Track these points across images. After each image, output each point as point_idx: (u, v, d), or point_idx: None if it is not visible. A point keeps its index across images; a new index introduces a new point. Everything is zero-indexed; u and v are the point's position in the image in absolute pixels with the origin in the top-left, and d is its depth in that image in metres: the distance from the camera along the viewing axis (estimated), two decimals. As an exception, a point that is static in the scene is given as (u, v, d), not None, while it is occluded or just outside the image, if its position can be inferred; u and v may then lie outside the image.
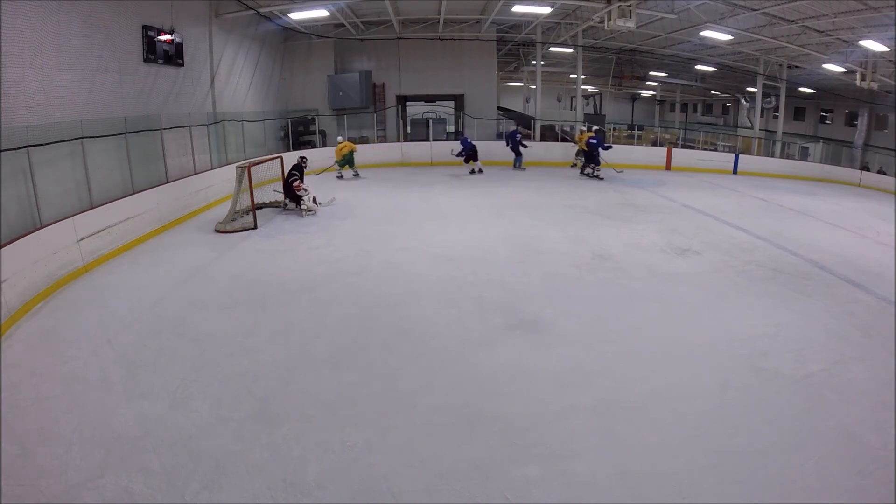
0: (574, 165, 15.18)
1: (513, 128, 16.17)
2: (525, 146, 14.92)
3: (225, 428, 3.37)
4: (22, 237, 5.43)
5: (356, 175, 13.22)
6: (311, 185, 9.95)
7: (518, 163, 14.86)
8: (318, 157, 14.13)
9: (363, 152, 15.35)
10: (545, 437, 3.30)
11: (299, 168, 9.57)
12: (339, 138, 13.63)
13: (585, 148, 13.83)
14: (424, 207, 9.93)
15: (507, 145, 14.89)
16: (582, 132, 14.98)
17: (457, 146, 14.24)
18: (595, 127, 16.00)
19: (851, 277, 6.46)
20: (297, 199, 9.29)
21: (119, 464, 3.02)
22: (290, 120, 14.73)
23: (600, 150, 13.25)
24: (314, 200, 9.57)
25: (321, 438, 3.27)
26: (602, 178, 13.31)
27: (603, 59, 21.88)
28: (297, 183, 9.23)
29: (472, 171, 13.89)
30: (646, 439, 3.29)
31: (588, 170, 13.71)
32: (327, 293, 5.68)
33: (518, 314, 5.13)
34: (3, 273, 4.85)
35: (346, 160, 13.11)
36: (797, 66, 18.00)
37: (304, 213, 9.22)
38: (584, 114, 20.55)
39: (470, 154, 13.87)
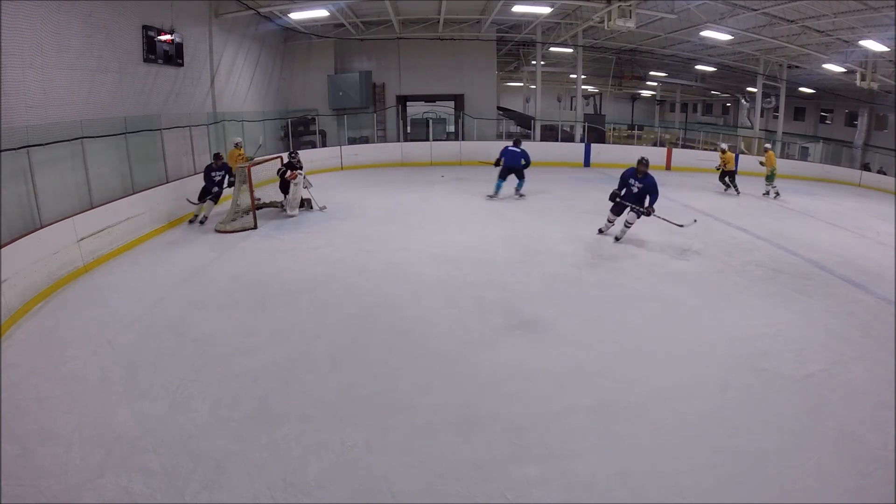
0: (773, 193, 12.12)
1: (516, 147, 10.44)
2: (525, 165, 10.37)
3: (225, 428, 3.37)
4: (22, 237, 5.43)
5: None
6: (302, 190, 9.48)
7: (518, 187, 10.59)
8: (319, 157, 14.14)
9: (363, 152, 15.42)
10: (545, 437, 3.30)
11: (291, 166, 9.45)
12: (238, 139, 10.51)
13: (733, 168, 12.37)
14: (424, 207, 9.93)
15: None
16: (725, 151, 12.45)
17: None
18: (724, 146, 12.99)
19: (851, 277, 6.46)
20: (288, 190, 9.13)
21: (119, 464, 3.02)
22: (290, 120, 14.74)
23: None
24: (310, 204, 9.53)
25: (321, 438, 3.27)
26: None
27: (603, 59, 21.89)
28: (290, 173, 9.13)
29: (196, 220, 8.69)
30: (646, 439, 3.29)
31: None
32: (327, 293, 5.68)
33: (518, 314, 5.13)
34: (3, 273, 4.85)
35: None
36: (797, 66, 18.01)
37: (288, 209, 9.05)
38: (585, 114, 20.54)
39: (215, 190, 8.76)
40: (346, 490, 2.86)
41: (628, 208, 7.55)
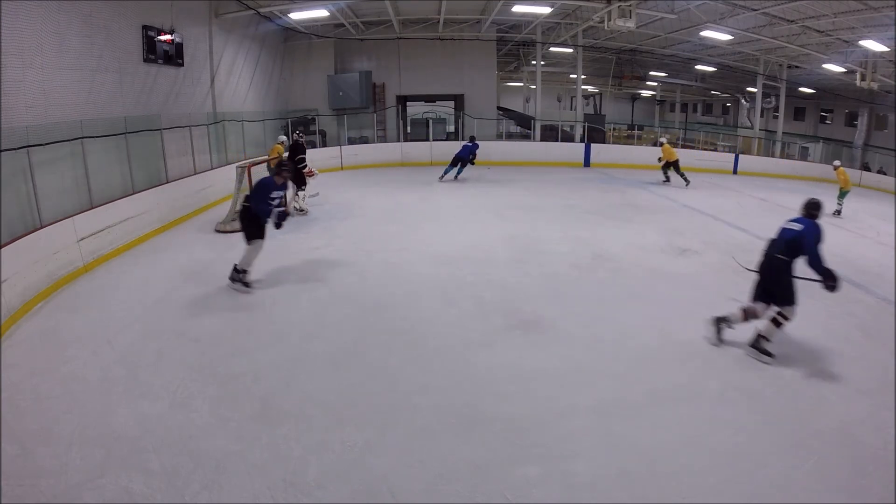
0: (837, 209, 10.98)
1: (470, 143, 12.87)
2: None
3: (225, 428, 3.37)
4: (22, 237, 5.42)
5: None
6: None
7: (457, 173, 12.80)
8: (319, 157, 14.12)
9: (363, 152, 15.42)
10: (545, 437, 3.30)
11: (302, 149, 9.17)
12: (283, 138, 11.04)
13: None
14: (424, 207, 9.93)
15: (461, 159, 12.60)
16: (663, 144, 13.50)
17: None
18: (662, 140, 14.52)
19: (851, 277, 6.45)
20: (303, 184, 9.08)
21: (119, 464, 3.02)
22: (290, 120, 14.74)
23: None
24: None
25: (321, 438, 3.27)
26: None
27: (603, 59, 21.90)
28: (308, 169, 9.11)
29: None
30: (646, 439, 3.29)
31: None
32: (327, 293, 5.68)
33: (518, 314, 5.13)
34: (3, 273, 4.85)
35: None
36: (797, 66, 18.03)
37: (295, 211, 9.02)
38: (585, 114, 20.55)
39: None
40: (346, 490, 2.86)
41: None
